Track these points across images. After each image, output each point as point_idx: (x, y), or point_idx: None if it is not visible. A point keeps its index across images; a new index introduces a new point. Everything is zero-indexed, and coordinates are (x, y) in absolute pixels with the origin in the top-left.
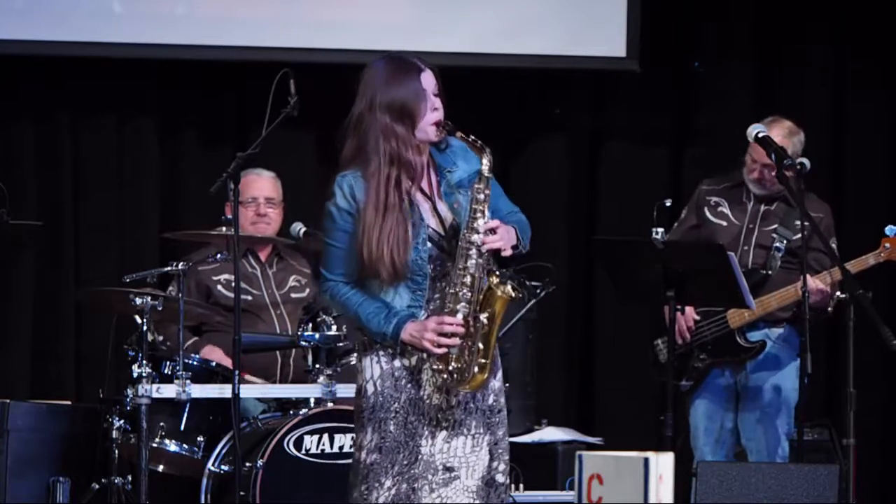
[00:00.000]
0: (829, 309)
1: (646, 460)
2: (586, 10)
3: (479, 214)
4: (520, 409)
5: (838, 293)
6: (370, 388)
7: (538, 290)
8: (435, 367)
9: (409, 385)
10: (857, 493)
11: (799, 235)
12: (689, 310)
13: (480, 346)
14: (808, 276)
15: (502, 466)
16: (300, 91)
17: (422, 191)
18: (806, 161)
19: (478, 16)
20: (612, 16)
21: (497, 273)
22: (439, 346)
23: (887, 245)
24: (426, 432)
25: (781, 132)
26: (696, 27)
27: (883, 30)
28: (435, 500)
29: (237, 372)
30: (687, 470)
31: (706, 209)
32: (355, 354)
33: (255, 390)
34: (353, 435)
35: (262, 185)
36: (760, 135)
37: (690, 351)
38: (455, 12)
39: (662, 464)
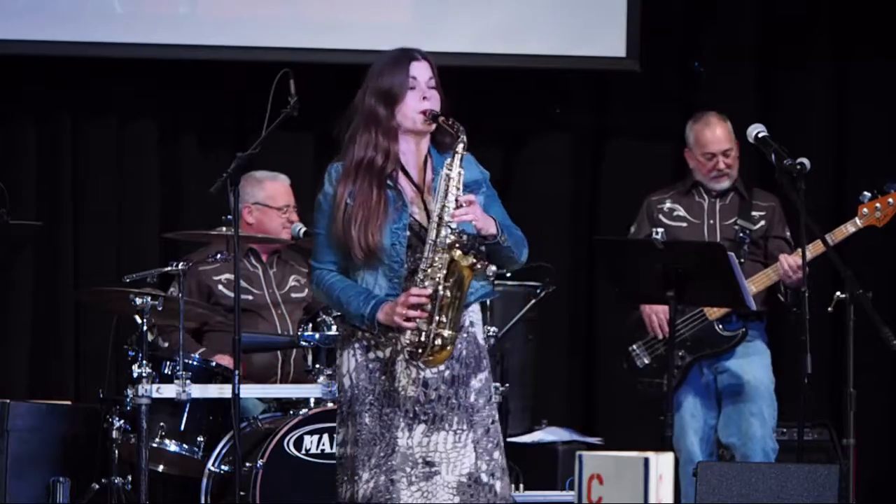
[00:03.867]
0: (804, 288)
1: (646, 460)
2: (586, 10)
3: (451, 189)
4: (520, 409)
5: (838, 293)
6: (346, 382)
7: (538, 290)
8: (407, 347)
9: (382, 377)
10: (857, 493)
11: (759, 226)
12: (663, 309)
13: (443, 318)
14: (783, 256)
15: (485, 466)
16: (300, 91)
17: (410, 180)
18: (806, 161)
19: (478, 16)
20: (612, 16)
21: (458, 245)
22: (408, 319)
23: (865, 210)
24: (402, 424)
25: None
26: (696, 27)
27: (884, 29)
28: (414, 492)
29: (237, 372)
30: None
31: (661, 216)
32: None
33: (255, 390)
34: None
35: (288, 191)
36: (760, 135)
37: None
38: (455, 12)
39: (662, 464)
